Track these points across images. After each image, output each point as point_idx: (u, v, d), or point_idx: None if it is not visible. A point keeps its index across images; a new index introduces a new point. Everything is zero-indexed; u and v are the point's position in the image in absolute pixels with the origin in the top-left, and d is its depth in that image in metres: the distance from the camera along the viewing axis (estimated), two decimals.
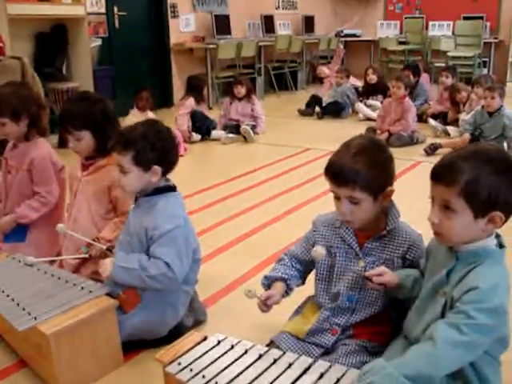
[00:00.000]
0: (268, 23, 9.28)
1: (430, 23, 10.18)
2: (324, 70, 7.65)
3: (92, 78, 5.85)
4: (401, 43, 10.04)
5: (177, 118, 5.61)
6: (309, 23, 10.30)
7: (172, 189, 2.05)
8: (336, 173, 1.67)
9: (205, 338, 1.66)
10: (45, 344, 1.76)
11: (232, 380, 1.46)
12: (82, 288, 1.96)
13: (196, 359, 1.56)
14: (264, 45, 8.68)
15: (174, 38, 7.88)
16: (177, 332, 1.95)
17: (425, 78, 7.39)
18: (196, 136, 5.63)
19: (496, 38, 9.71)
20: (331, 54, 10.18)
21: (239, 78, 6.33)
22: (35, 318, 1.78)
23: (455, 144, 4.93)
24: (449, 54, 9.19)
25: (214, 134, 5.71)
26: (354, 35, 10.83)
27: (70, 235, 2.26)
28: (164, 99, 7.76)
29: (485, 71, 9.28)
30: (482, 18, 9.51)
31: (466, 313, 1.33)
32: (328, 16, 11.06)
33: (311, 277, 1.96)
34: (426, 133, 5.59)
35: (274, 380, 1.45)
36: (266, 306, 1.80)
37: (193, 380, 1.48)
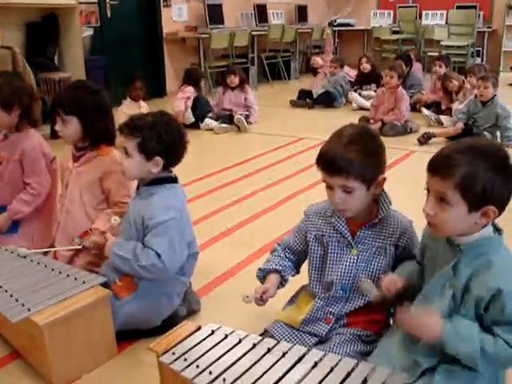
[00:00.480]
0: (261, 12, 9.23)
1: (424, 12, 10.17)
2: (318, 61, 7.63)
3: (84, 67, 5.80)
4: (394, 32, 10.02)
5: (174, 102, 5.67)
6: (302, 12, 10.26)
7: (173, 180, 2.05)
8: (329, 162, 1.66)
9: (199, 328, 1.66)
10: (38, 335, 1.75)
11: (226, 369, 1.46)
12: (76, 279, 1.95)
13: (190, 349, 1.56)
14: (257, 34, 8.65)
15: (166, 28, 7.82)
16: (171, 322, 1.96)
17: (417, 67, 7.39)
18: (190, 115, 5.64)
19: (489, 28, 9.72)
20: (324, 44, 10.18)
21: (232, 67, 6.31)
22: (29, 310, 1.77)
23: (448, 133, 4.95)
24: (442, 43, 9.19)
25: (206, 121, 5.69)
26: (348, 24, 10.80)
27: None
28: (157, 89, 7.72)
29: (478, 60, 9.28)
30: (475, 7, 9.51)
31: None
32: (321, 5, 11.02)
33: (305, 266, 1.96)
34: (419, 122, 5.60)
35: (268, 369, 1.45)
36: (261, 300, 1.80)
37: (187, 370, 1.48)
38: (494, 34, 9.74)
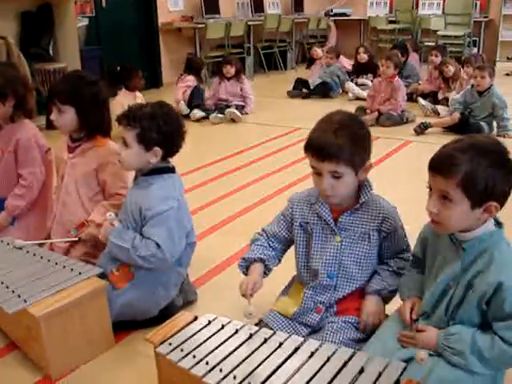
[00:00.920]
0: (257, 2, 9.17)
1: (420, 2, 10.11)
2: (318, 52, 7.61)
3: (79, 58, 5.76)
4: (391, 22, 9.97)
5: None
6: (298, 2, 10.20)
7: (171, 170, 2.05)
8: (320, 148, 1.67)
9: (195, 318, 1.67)
10: (35, 326, 1.75)
11: (223, 360, 1.47)
12: (72, 270, 1.95)
13: (187, 339, 1.57)
14: (253, 24, 8.60)
15: (162, 18, 7.78)
16: (167, 312, 1.96)
17: (414, 57, 7.38)
18: (183, 107, 5.63)
19: (486, 17, 9.69)
20: (321, 34, 10.14)
21: (228, 57, 6.28)
22: (25, 301, 1.77)
23: (445, 123, 4.95)
24: (439, 33, 9.16)
25: (194, 112, 5.65)
26: (344, 14, 10.75)
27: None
28: (153, 80, 7.68)
29: (474, 50, 9.27)
30: None
31: None
32: None
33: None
34: (415, 112, 5.59)
35: (265, 359, 1.46)
36: (251, 295, 1.75)
37: (183, 360, 1.49)
38: (491, 23, 9.71)
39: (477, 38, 9.59)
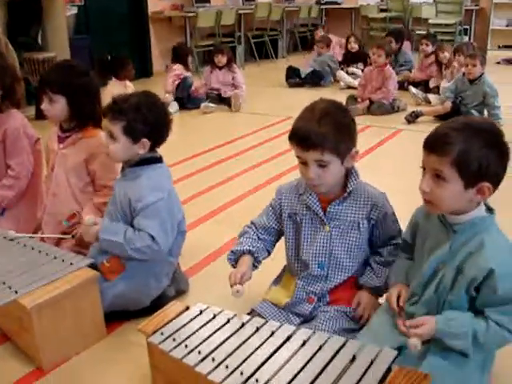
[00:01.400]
0: None
1: None
2: (318, 33, 7.66)
3: (68, 47, 5.71)
4: (382, 11, 9.95)
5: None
6: None
7: (158, 160, 2.03)
8: (304, 137, 1.66)
9: (187, 308, 1.67)
10: (26, 317, 1.74)
11: (215, 349, 1.47)
12: (63, 261, 1.94)
13: (178, 329, 1.57)
14: (244, 13, 8.56)
15: (152, 6, 7.72)
16: (159, 302, 1.96)
17: (407, 45, 7.37)
18: (171, 100, 5.59)
19: (477, 5, 9.68)
20: (312, 22, 10.10)
21: (220, 46, 6.25)
22: (16, 292, 1.76)
23: (436, 112, 4.95)
24: (430, 21, 9.16)
25: (172, 104, 5.60)
26: (335, 3, 10.71)
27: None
28: (143, 69, 7.64)
29: (466, 39, 9.26)
30: None
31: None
32: None
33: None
34: (406, 101, 5.59)
35: (257, 348, 1.46)
36: (240, 284, 1.72)
37: (176, 350, 1.49)
38: (482, 12, 9.71)
39: (468, 27, 9.59)
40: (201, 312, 1.64)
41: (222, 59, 5.84)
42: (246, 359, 1.42)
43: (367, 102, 5.38)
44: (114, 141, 1.93)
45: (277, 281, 1.98)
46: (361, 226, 1.79)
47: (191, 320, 1.61)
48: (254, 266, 1.88)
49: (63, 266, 1.90)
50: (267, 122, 5.08)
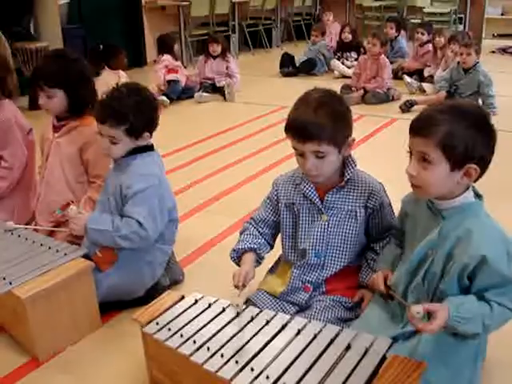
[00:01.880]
0: None
1: None
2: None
3: (61, 37, 5.66)
4: None
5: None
6: None
7: (149, 148, 2.04)
8: (301, 129, 1.65)
9: (182, 298, 1.67)
10: (21, 308, 1.74)
11: (210, 338, 1.47)
12: (58, 251, 1.94)
13: (173, 319, 1.57)
14: (238, 1, 8.49)
15: None
16: (154, 292, 1.96)
17: (402, 34, 7.34)
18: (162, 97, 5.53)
19: None
20: (306, 11, 10.04)
21: (214, 35, 6.21)
22: (10, 283, 1.76)
23: (431, 101, 4.93)
24: (425, 10, 9.12)
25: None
26: None
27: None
28: (136, 59, 7.57)
29: (460, 28, 9.24)
30: None
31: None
32: None
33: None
34: (401, 90, 5.58)
35: (252, 337, 1.46)
36: (243, 286, 1.72)
37: (171, 339, 1.49)
38: (477, 0, 9.67)
39: (463, 16, 9.55)
40: (196, 301, 1.64)
41: (216, 48, 5.81)
42: (241, 348, 1.42)
43: (362, 91, 5.37)
44: (115, 143, 1.93)
45: (273, 270, 1.98)
46: (358, 214, 1.78)
47: (186, 309, 1.61)
48: (258, 262, 1.88)
49: (57, 257, 1.90)
50: (260, 112, 5.06)
